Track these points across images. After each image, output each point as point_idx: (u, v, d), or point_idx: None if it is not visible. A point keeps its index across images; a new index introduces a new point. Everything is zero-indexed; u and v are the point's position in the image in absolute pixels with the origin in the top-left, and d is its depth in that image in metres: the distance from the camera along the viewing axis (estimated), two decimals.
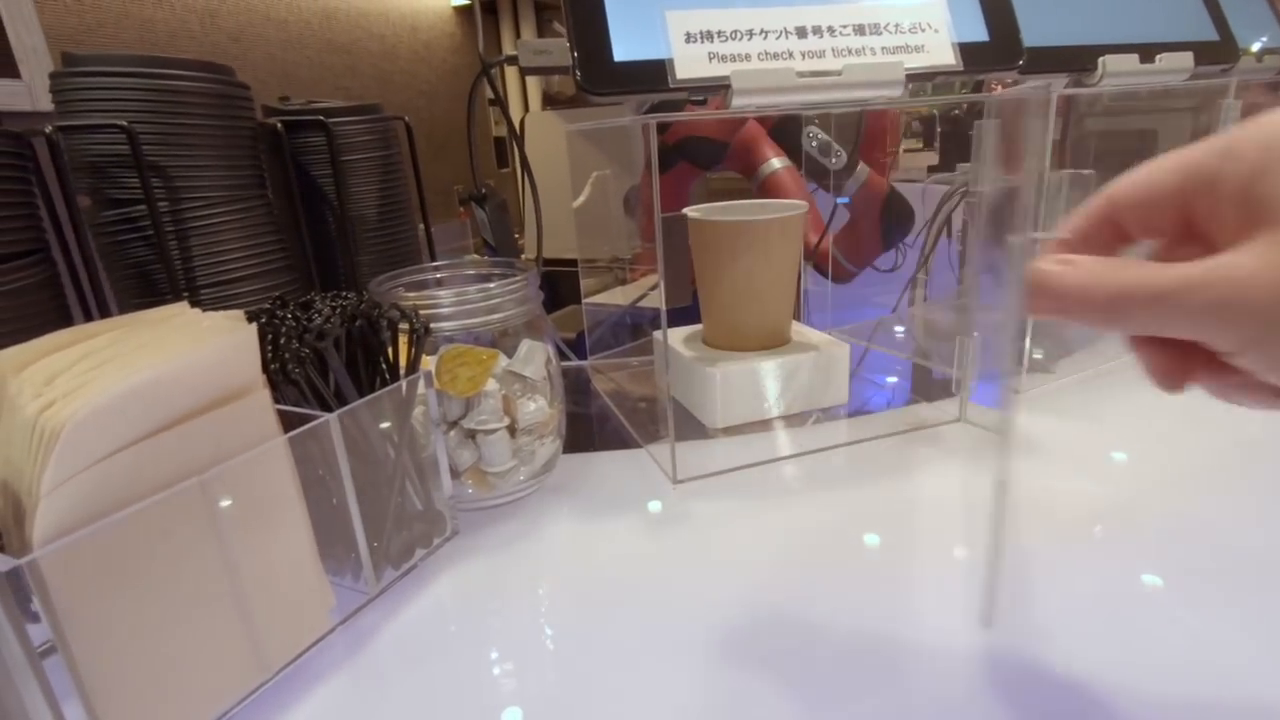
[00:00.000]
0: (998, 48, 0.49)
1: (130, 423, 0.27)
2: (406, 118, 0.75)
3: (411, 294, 0.47)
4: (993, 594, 0.34)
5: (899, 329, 0.93)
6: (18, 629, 0.24)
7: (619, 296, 1.09)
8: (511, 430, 0.48)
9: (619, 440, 0.60)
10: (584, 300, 0.80)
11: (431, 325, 0.45)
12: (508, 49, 0.58)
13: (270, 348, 0.38)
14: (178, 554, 0.30)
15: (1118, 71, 0.56)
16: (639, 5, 0.45)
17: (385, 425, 0.41)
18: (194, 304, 0.37)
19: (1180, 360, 0.24)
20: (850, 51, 0.47)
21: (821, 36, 0.47)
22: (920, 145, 1.44)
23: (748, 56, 0.45)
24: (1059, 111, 0.79)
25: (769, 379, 0.60)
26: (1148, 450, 0.53)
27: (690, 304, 0.63)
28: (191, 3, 1.78)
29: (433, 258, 0.82)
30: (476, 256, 0.92)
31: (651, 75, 0.44)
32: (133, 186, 0.52)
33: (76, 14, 1.52)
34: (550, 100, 2.97)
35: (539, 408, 0.48)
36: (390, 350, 0.43)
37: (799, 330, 0.67)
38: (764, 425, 0.61)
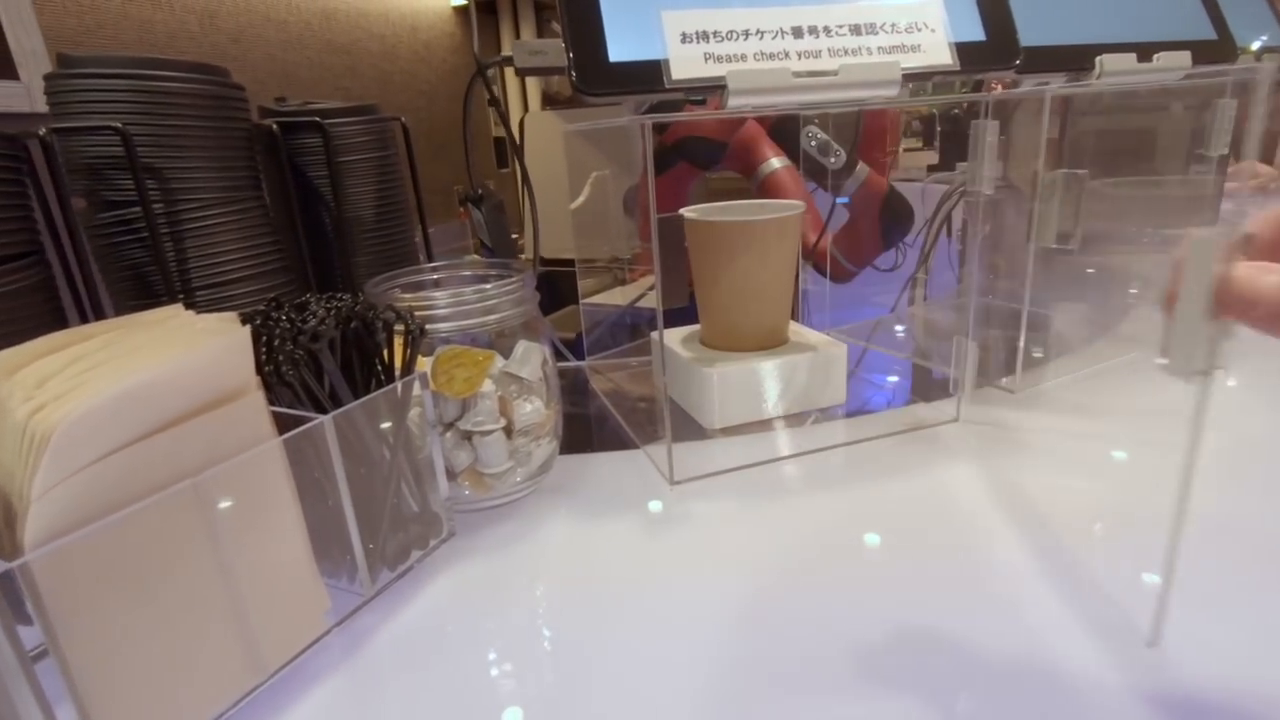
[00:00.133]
0: (994, 47, 0.49)
1: (122, 426, 0.27)
2: (403, 118, 0.75)
3: (408, 295, 0.47)
4: (1162, 609, 0.33)
5: (899, 328, 0.93)
6: (9, 633, 0.24)
7: (618, 297, 1.08)
8: (508, 431, 0.48)
9: (617, 441, 0.60)
10: (582, 301, 0.79)
11: (427, 326, 0.45)
12: (507, 49, 0.58)
13: (264, 350, 0.38)
14: (171, 557, 0.30)
15: (1115, 71, 0.56)
16: (634, 5, 0.45)
17: (381, 427, 0.41)
18: (189, 306, 0.37)
19: None
20: (846, 51, 0.46)
21: (818, 36, 0.46)
22: (920, 144, 1.44)
23: (743, 57, 0.45)
24: (1057, 111, 0.79)
25: (767, 379, 0.60)
26: (1146, 448, 0.53)
27: (688, 304, 0.63)
28: (191, 4, 1.78)
29: (430, 259, 0.82)
30: (476, 257, 0.92)
31: (647, 76, 0.44)
32: (127, 188, 0.52)
33: (76, 15, 1.52)
34: (550, 100, 2.97)
35: (535, 409, 0.48)
36: (386, 352, 0.43)
37: (797, 330, 0.66)
38: (762, 426, 0.60)
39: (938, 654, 0.34)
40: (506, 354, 0.48)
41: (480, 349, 0.46)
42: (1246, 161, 1.07)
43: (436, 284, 0.53)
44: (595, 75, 0.43)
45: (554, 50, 0.53)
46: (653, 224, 0.47)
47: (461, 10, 2.71)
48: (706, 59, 0.45)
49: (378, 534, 0.41)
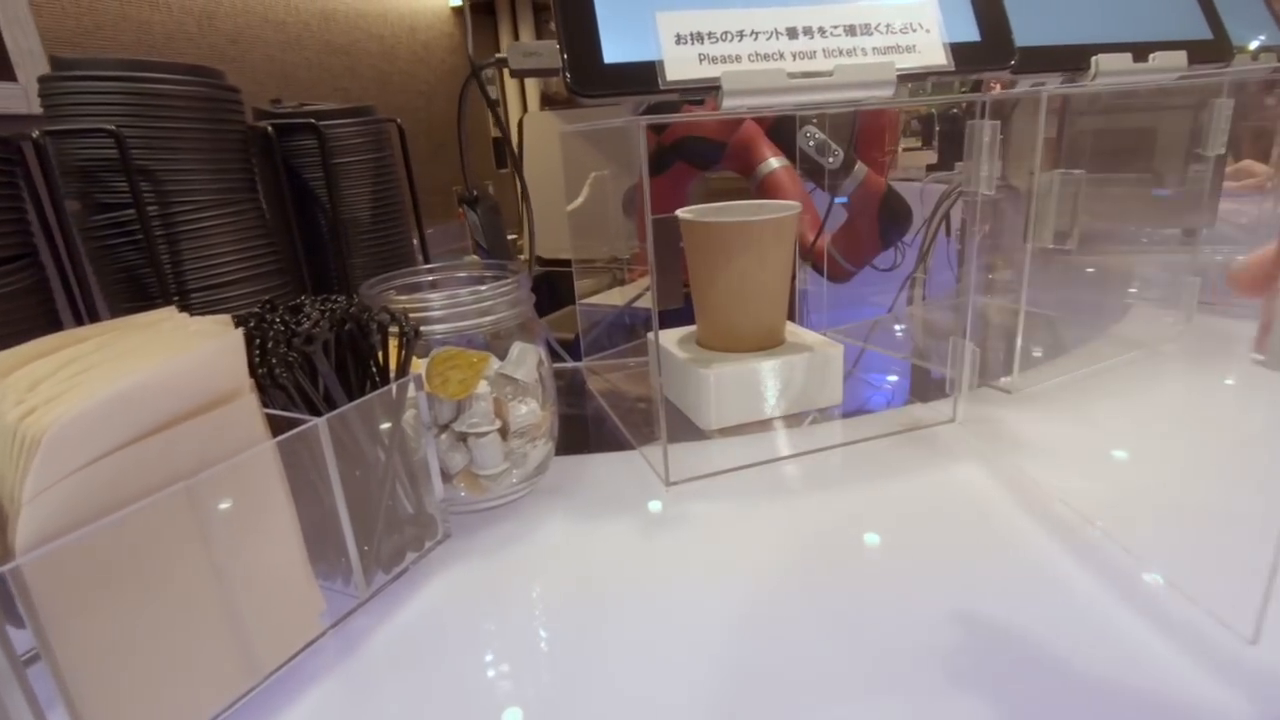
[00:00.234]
0: (989, 48, 0.49)
1: (113, 429, 0.27)
2: (398, 119, 0.75)
3: (402, 297, 0.47)
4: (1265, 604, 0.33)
5: (897, 328, 0.93)
6: (1, 637, 0.24)
7: (616, 297, 1.08)
8: (503, 433, 0.48)
9: (614, 442, 0.60)
10: (579, 301, 0.79)
11: (422, 328, 0.45)
12: (505, 50, 0.58)
13: (258, 352, 0.38)
14: (164, 560, 0.30)
15: (1111, 71, 0.56)
16: (629, 7, 0.45)
17: (376, 429, 0.41)
18: (184, 308, 0.38)
19: None
20: (841, 52, 0.46)
21: (812, 37, 0.46)
22: (919, 144, 1.44)
23: (738, 58, 0.45)
24: (1054, 111, 0.79)
25: (763, 380, 0.60)
26: (1143, 448, 0.53)
27: (683, 305, 0.63)
28: (189, 5, 1.78)
29: (426, 260, 0.82)
30: (474, 258, 0.92)
31: (642, 77, 0.44)
32: (121, 190, 0.52)
33: (74, 17, 1.52)
34: (549, 101, 2.96)
35: (530, 410, 0.48)
36: (380, 354, 0.43)
37: (793, 331, 0.66)
38: (758, 426, 0.60)
39: (937, 655, 0.34)
40: (502, 355, 0.48)
41: (475, 351, 0.46)
42: (1243, 161, 1.07)
43: (432, 285, 0.53)
44: (590, 77, 0.43)
45: (548, 52, 0.53)
46: (647, 224, 0.47)
47: (460, 10, 2.71)
48: (701, 60, 0.45)
49: (373, 536, 0.41)
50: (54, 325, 0.51)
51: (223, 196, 0.57)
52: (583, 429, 0.65)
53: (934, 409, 0.61)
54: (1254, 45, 0.74)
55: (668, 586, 0.41)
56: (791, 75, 0.45)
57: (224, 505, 0.32)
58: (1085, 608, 0.37)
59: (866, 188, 1.02)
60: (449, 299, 0.46)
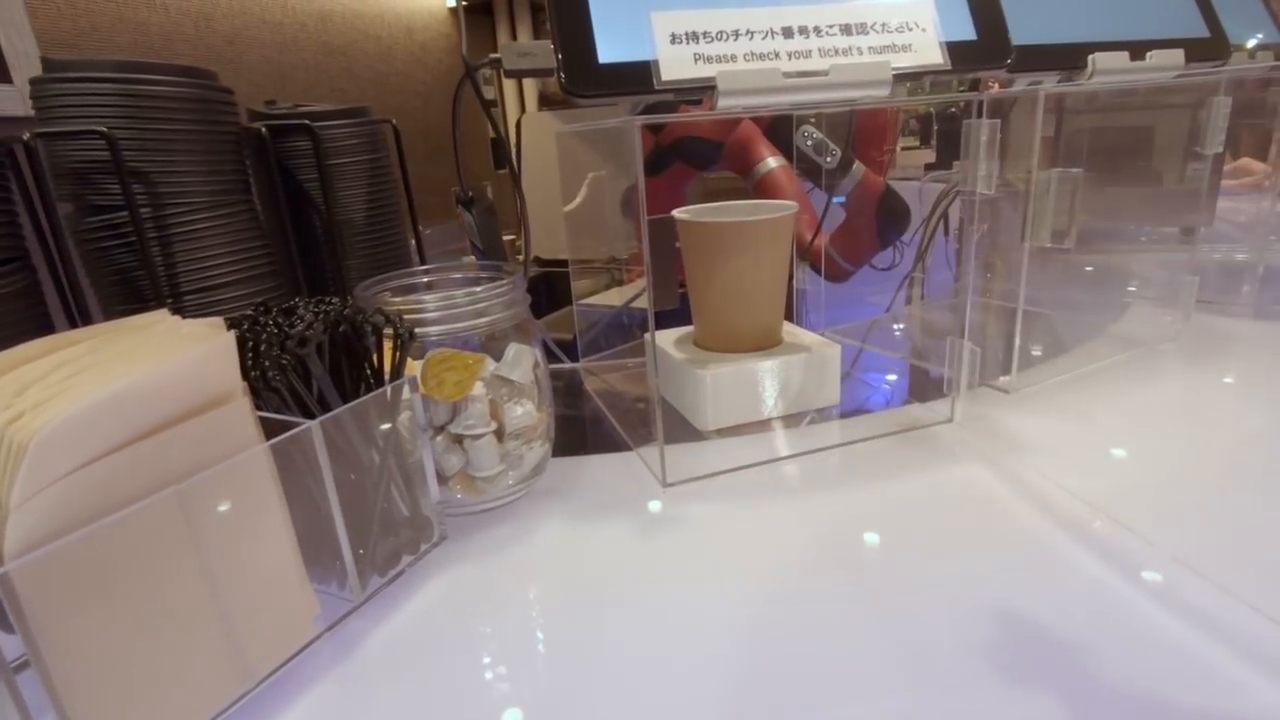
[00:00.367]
0: (986, 46, 0.49)
1: (103, 433, 0.27)
2: (393, 120, 0.74)
3: (398, 299, 0.47)
4: None
5: (897, 326, 0.93)
6: None
7: (614, 298, 1.08)
8: (499, 435, 0.48)
9: (611, 443, 0.60)
10: (576, 302, 0.79)
11: (417, 330, 0.45)
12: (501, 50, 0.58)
13: (251, 355, 0.37)
14: (156, 565, 0.30)
15: (1108, 69, 0.56)
16: (624, 6, 0.44)
17: (371, 431, 0.41)
18: (178, 310, 0.37)
19: None
20: (837, 51, 0.46)
21: (808, 36, 0.46)
22: (917, 143, 1.44)
23: (733, 57, 0.45)
24: (1051, 109, 0.79)
25: (760, 380, 0.60)
26: (1142, 448, 0.53)
27: (678, 306, 0.63)
28: (186, 6, 1.77)
29: (423, 261, 0.81)
30: (471, 259, 0.92)
31: (637, 77, 0.44)
32: (114, 192, 0.52)
33: (70, 18, 1.52)
34: (546, 101, 2.96)
35: (526, 412, 0.48)
36: (375, 356, 0.42)
37: (791, 331, 0.66)
38: (756, 427, 0.60)
39: (937, 656, 0.34)
40: (498, 357, 0.48)
41: (470, 352, 0.46)
42: (1241, 159, 1.07)
43: (428, 287, 0.53)
44: (584, 77, 0.43)
45: (543, 52, 0.53)
46: (642, 225, 0.47)
47: (457, 11, 2.71)
48: (696, 60, 0.44)
49: (368, 539, 0.41)
50: (46, 328, 0.51)
51: (216, 198, 0.57)
52: (580, 430, 0.65)
53: (932, 409, 0.61)
54: (1251, 43, 0.74)
55: (665, 588, 0.41)
56: (787, 75, 0.45)
57: (216, 509, 0.32)
58: (1097, 597, 0.37)
59: (864, 187, 1.02)
60: (444, 300, 0.46)
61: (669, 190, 1.11)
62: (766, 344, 0.62)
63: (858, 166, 1.01)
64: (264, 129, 0.66)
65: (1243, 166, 1.04)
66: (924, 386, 0.69)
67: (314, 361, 0.39)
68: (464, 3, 2.70)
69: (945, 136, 1.30)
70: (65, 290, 0.52)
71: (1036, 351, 0.73)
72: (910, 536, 0.44)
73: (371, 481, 0.41)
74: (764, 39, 0.45)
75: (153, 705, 0.30)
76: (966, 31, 0.49)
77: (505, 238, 0.95)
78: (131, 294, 0.55)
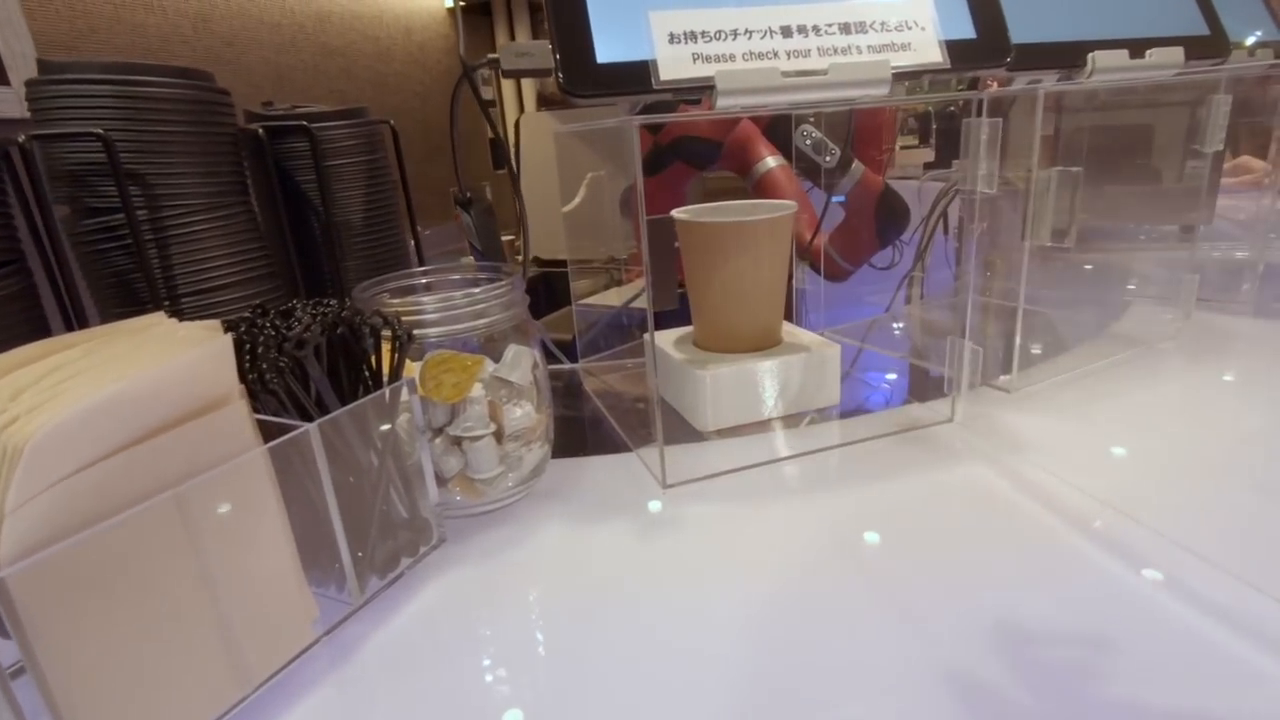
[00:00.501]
0: (985, 45, 0.49)
1: (98, 437, 0.27)
2: (391, 121, 0.74)
3: (396, 300, 0.47)
4: None
5: (896, 325, 0.93)
6: None
7: (613, 298, 1.08)
8: (498, 436, 0.47)
9: (611, 444, 0.60)
10: (575, 302, 0.79)
11: (416, 331, 0.44)
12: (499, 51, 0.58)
13: (249, 357, 0.37)
14: (153, 569, 0.29)
15: (1107, 67, 0.56)
16: (622, 6, 0.44)
17: (369, 433, 0.41)
18: (176, 313, 0.37)
19: None
20: (836, 50, 0.46)
21: (807, 36, 0.46)
22: (916, 142, 1.44)
23: (732, 57, 0.45)
24: (1049, 108, 0.79)
25: (760, 381, 0.60)
26: (1143, 446, 0.53)
27: (677, 307, 0.63)
28: (184, 7, 1.77)
29: (421, 262, 0.81)
30: (471, 260, 0.91)
31: (635, 77, 0.43)
32: (110, 195, 0.51)
33: (68, 20, 1.51)
34: (545, 101, 2.96)
35: (525, 413, 0.48)
36: (373, 358, 0.42)
37: (790, 331, 0.66)
38: (755, 427, 0.60)
39: (940, 658, 0.34)
40: (497, 358, 0.48)
41: (469, 354, 0.46)
42: (1241, 158, 1.07)
43: (426, 288, 0.52)
44: (583, 77, 0.43)
45: (541, 52, 0.53)
46: (641, 225, 0.47)
47: (455, 12, 2.70)
48: (695, 59, 0.44)
49: (366, 541, 0.41)
50: (42, 332, 0.51)
51: (213, 200, 0.57)
52: (579, 431, 0.65)
53: (932, 409, 0.61)
54: (1250, 41, 0.73)
55: (666, 590, 0.41)
56: (786, 74, 0.45)
57: (214, 513, 0.32)
58: (1113, 592, 0.37)
59: (864, 186, 1.02)
60: (443, 302, 0.46)
61: (668, 190, 1.11)
62: (766, 344, 0.62)
63: (857, 165, 1.01)
64: (261, 130, 0.66)
65: (1242, 164, 1.04)
66: (924, 386, 0.69)
67: (312, 364, 0.39)
68: (462, 3, 2.70)
69: (944, 135, 1.30)
70: (61, 293, 0.52)
71: (1036, 350, 0.73)
72: (915, 536, 0.44)
73: (370, 484, 0.41)
74: (763, 38, 0.45)
75: (150, 710, 0.30)
76: (966, 30, 0.49)
77: (504, 238, 0.95)
78: (128, 297, 0.55)
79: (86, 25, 1.56)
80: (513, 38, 2.91)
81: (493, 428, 0.47)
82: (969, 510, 0.46)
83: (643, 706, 0.33)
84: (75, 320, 0.52)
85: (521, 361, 0.48)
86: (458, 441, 0.46)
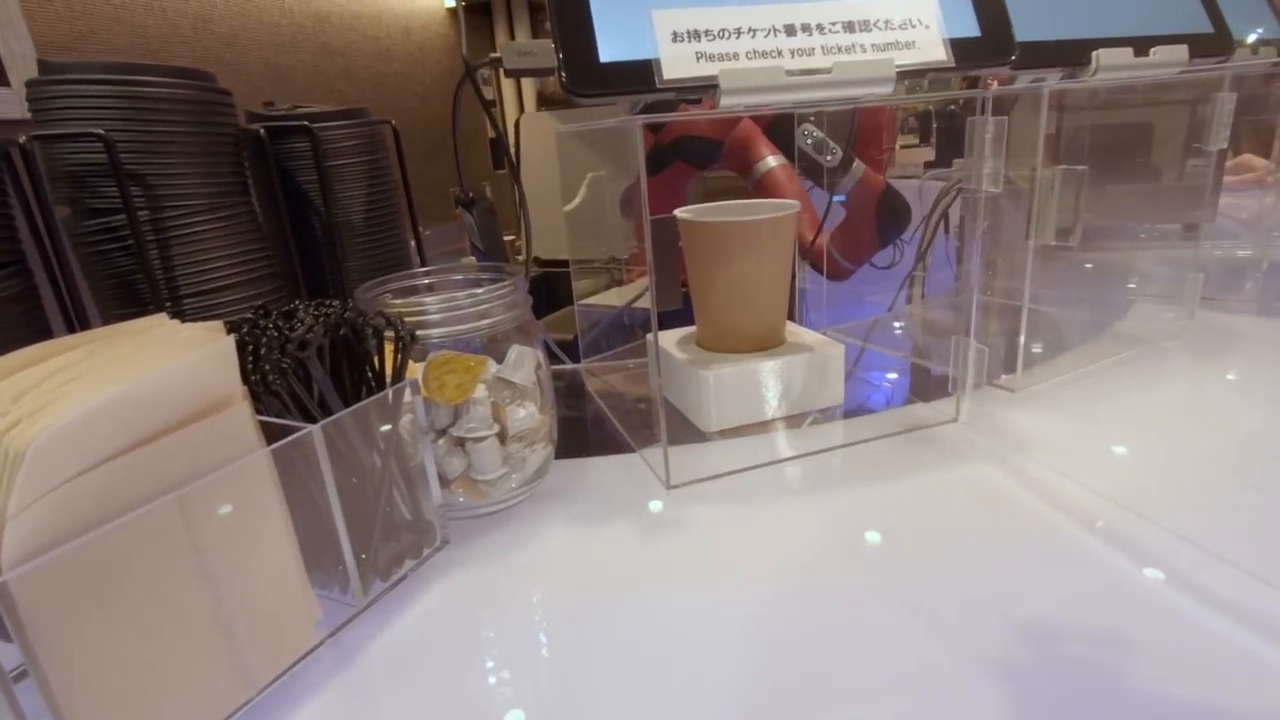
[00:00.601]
0: (989, 43, 0.49)
1: (101, 440, 0.27)
2: (393, 121, 0.74)
3: (398, 301, 0.46)
4: None
5: (897, 325, 0.92)
6: None
7: (614, 298, 1.08)
8: (501, 437, 0.47)
9: (614, 445, 0.60)
10: (577, 302, 0.79)
11: (418, 332, 0.44)
12: (499, 51, 0.58)
13: (251, 359, 0.37)
14: (155, 572, 0.29)
15: (1112, 65, 0.55)
16: (624, 5, 0.44)
17: (372, 435, 0.41)
18: (177, 314, 0.37)
19: None
20: (840, 49, 0.46)
21: (811, 34, 0.46)
22: (916, 141, 1.44)
23: (736, 55, 0.45)
24: (1051, 106, 0.79)
25: (763, 381, 0.60)
26: (1148, 445, 0.53)
27: (681, 307, 0.63)
28: (184, 8, 1.77)
29: (423, 263, 0.81)
30: (471, 260, 0.91)
31: (638, 76, 0.43)
32: (112, 195, 0.51)
33: (67, 21, 1.51)
34: (545, 101, 2.95)
35: (529, 414, 0.48)
36: (376, 359, 0.42)
37: (793, 331, 0.66)
38: (759, 428, 0.60)
39: (950, 659, 0.34)
40: (500, 359, 0.48)
41: (472, 354, 0.46)
42: (1243, 155, 1.07)
43: (428, 289, 0.52)
44: (585, 76, 0.43)
45: (543, 51, 0.52)
46: (645, 225, 0.47)
47: (455, 11, 2.70)
48: (698, 58, 0.44)
49: (370, 543, 0.41)
50: (43, 333, 0.51)
51: (215, 201, 0.56)
52: (582, 431, 0.64)
53: (936, 408, 0.61)
54: (1252, 39, 0.73)
55: (671, 592, 0.41)
56: (790, 73, 0.44)
57: (217, 515, 0.32)
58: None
59: (865, 185, 1.02)
60: (445, 302, 0.46)
61: (669, 190, 1.11)
62: (769, 344, 0.62)
63: (858, 165, 1.00)
64: (262, 130, 0.66)
65: (1244, 163, 1.03)
66: (928, 386, 0.68)
67: (315, 365, 0.38)
68: (463, 2, 2.69)
69: (945, 134, 1.30)
70: (63, 294, 0.52)
71: (1039, 349, 0.73)
72: (922, 536, 0.44)
73: (373, 485, 0.41)
74: (766, 37, 0.45)
75: (153, 714, 0.30)
76: (970, 28, 0.48)
77: (504, 238, 0.94)
78: (129, 298, 0.55)
79: (86, 26, 1.56)
80: (512, 37, 2.91)
81: (496, 429, 0.46)
82: (977, 510, 0.46)
83: (648, 709, 0.32)
84: (77, 322, 0.52)
85: (525, 362, 0.48)
86: (461, 443, 0.46)
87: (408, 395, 0.42)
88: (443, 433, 0.46)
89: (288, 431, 0.35)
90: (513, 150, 0.79)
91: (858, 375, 0.73)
